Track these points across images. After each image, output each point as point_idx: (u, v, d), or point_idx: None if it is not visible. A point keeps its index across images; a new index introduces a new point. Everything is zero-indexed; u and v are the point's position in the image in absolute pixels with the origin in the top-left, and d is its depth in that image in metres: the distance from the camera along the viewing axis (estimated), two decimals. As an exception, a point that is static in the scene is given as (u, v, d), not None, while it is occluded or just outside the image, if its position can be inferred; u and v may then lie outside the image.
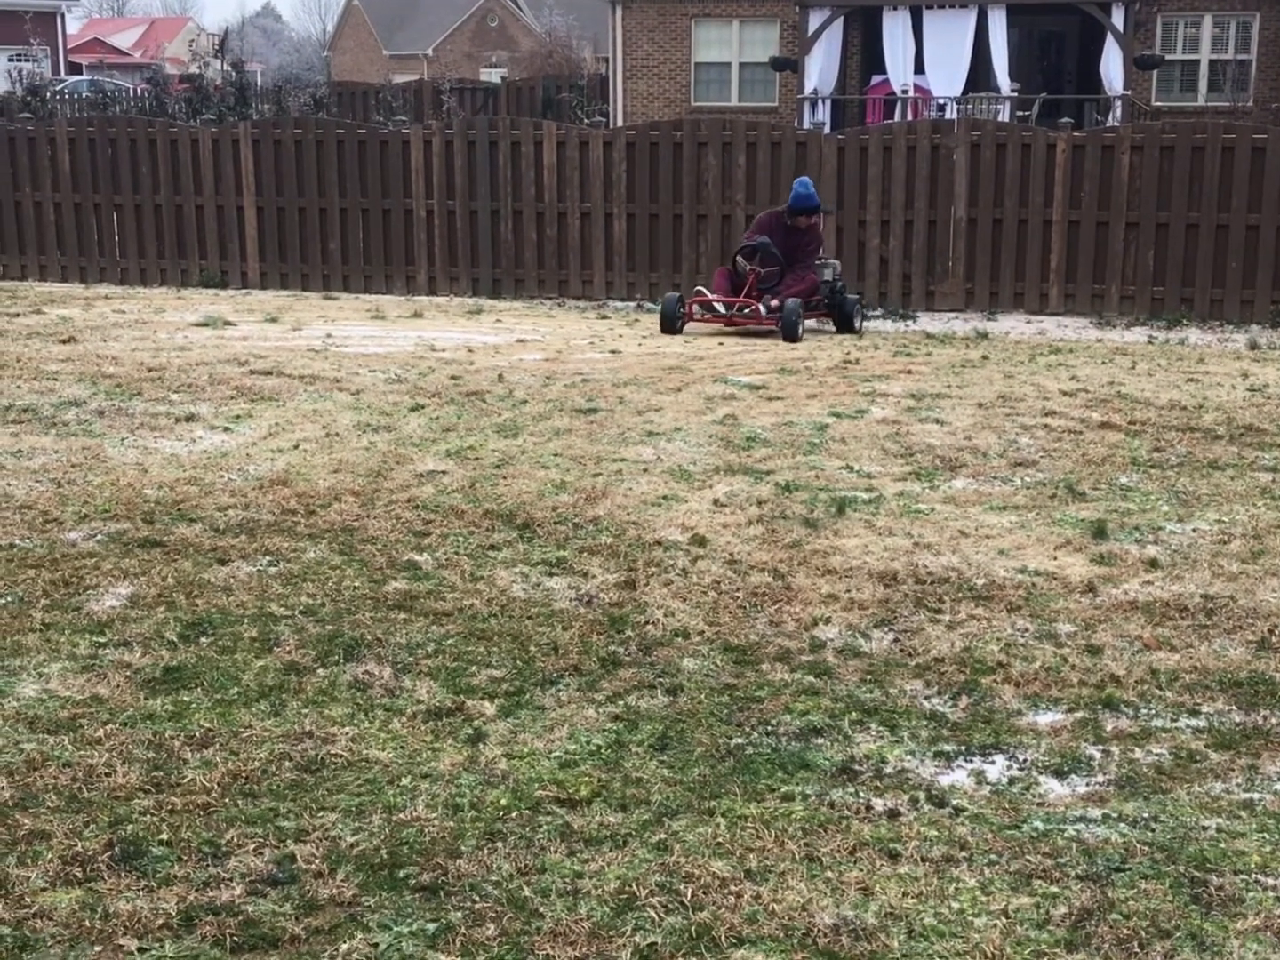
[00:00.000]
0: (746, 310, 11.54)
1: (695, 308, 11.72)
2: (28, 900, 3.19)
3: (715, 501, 6.42)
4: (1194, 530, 6.08)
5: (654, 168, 13.55)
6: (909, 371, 9.63)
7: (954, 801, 3.76)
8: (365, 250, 14.21)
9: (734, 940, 3.09)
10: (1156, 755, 4.04)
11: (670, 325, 11.48)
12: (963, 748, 4.09)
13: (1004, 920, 3.18)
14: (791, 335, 11.09)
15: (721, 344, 10.90)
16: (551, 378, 9.21)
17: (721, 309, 11.66)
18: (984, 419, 8.07)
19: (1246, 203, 12.33)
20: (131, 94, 32.76)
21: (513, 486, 6.58)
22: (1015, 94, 20.95)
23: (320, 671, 4.50)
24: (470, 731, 4.11)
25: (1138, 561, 5.65)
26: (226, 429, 7.66)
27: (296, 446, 7.26)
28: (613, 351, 10.41)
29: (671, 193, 13.54)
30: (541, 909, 3.20)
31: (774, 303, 11.36)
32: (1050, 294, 12.92)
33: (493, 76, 43.18)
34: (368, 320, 12.05)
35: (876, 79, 23.05)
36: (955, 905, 3.25)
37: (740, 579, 5.43)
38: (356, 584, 5.29)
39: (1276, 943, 3.08)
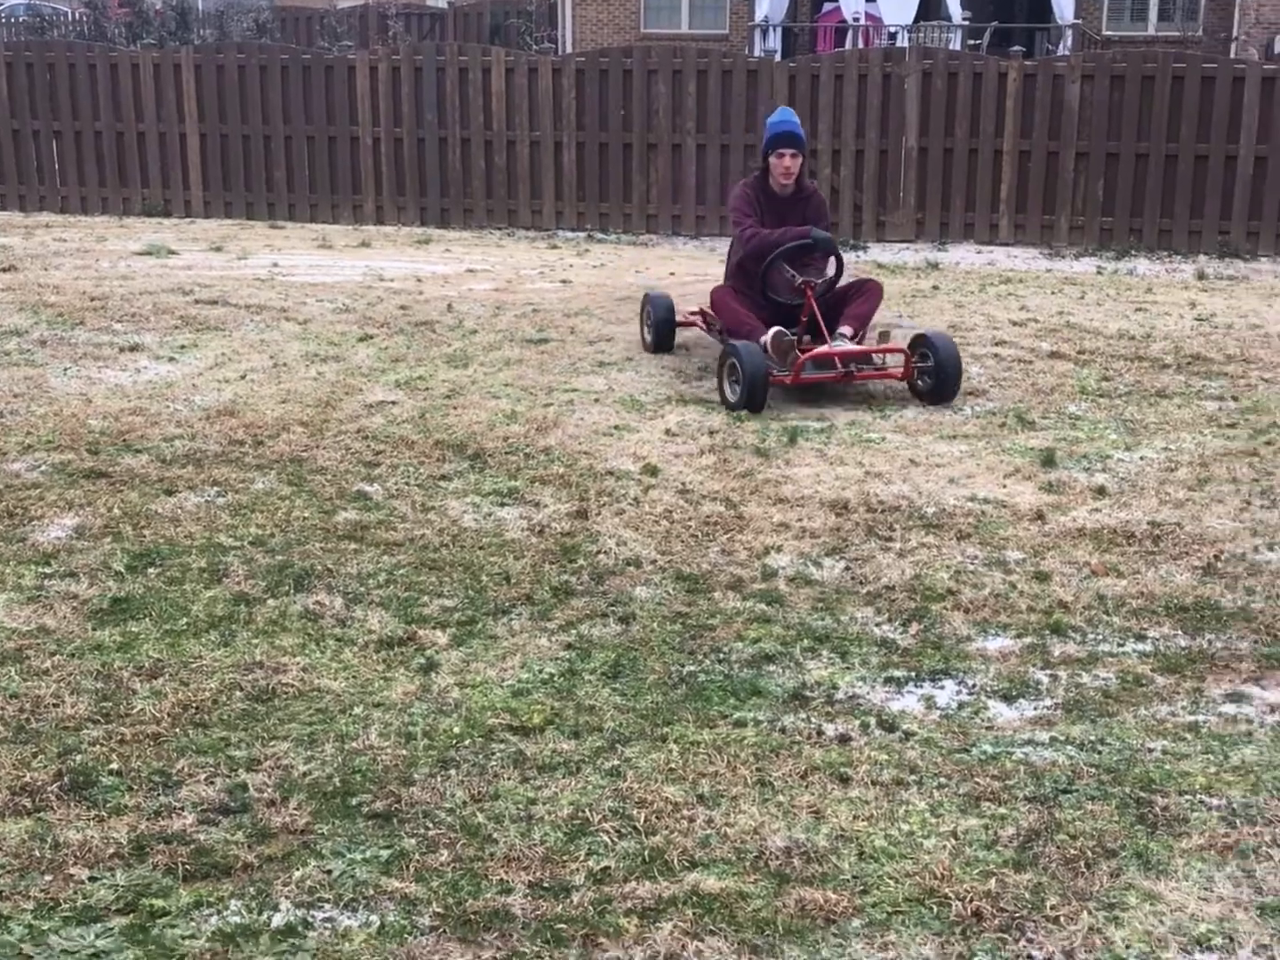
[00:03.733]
0: (870, 362, 7.23)
1: (806, 365, 6.94)
2: (-24, 831, 3.17)
3: (667, 431, 6.41)
4: (1141, 458, 6.13)
5: (604, 96, 13.39)
6: (860, 301, 9.61)
7: (904, 726, 3.79)
8: (311, 178, 13.99)
9: (686, 863, 3.12)
10: (1103, 679, 4.09)
11: (759, 398, 6.76)
12: (913, 673, 4.12)
13: (953, 841, 3.22)
14: (953, 392, 6.99)
15: (672, 274, 10.83)
16: (501, 307, 9.14)
17: (826, 364, 7.06)
18: (934, 349, 8.07)
19: (1195, 133, 12.34)
20: (69, 18, 32.00)
21: (463, 417, 6.53)
22: (967, 23, 20.81)
23: (270, 602, 4.47)
24: (422, 661, 4.10)
25: (1086, 489, 5.69)
26: (172, 359, 7.55)
27: (243, 377, 7.18)
28: (563, 281, 10.33)
29: (621, 121, 13.40)
30: (495, 835, 3.21)
31: (845, 329, 7.12)
32: (1000, 224, 12.91)
33: (439, 1, 42.47)
34: (315, 249, 11.90)
35: (828, 6, 22.83)
36: (905, 827, 3.28)
37: (692, 508, 5.43)
38: (306, 514, 5.25)
39: (1220, 861, 3.13)
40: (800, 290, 7.19)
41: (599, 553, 4.97)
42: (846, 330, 7.16)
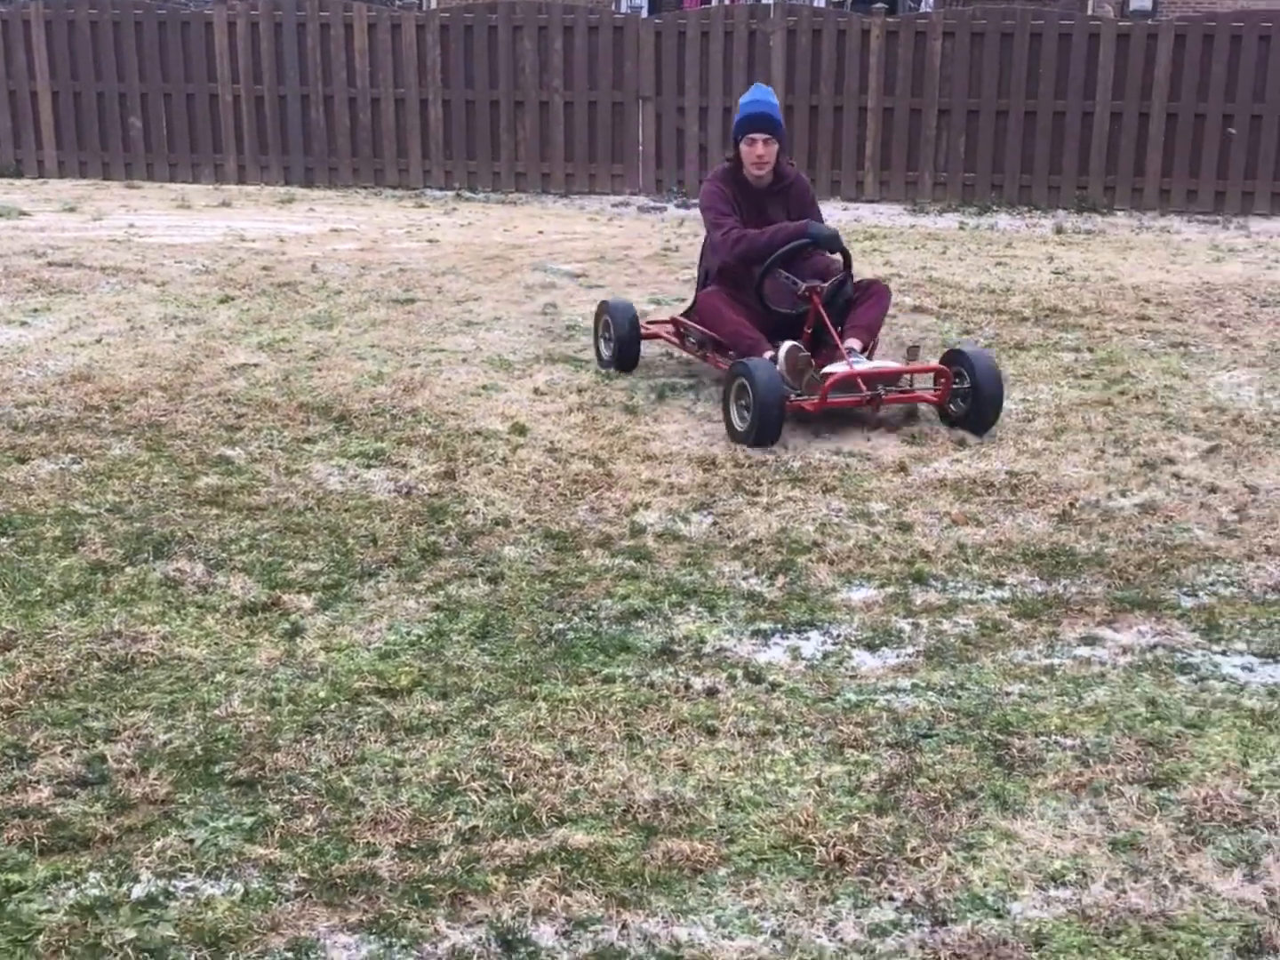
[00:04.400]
0: (893, 383, 5.99)
1: (830, 392, 5.81)
2: None
3: (535, 390, 6.38)
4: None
5: (469, 52, 13.25)
6: (728, 258, 9.64)
7: (770, 677, 3.83)
8: (170, 137, 13.67)
9: (555, 819, 3.13)
10: (963, 626, 4.17)
11: (774, 427, 5.67)
12: (779, 625, 4.17)
13: (817, 789, 3.27)
14: (991, 420, 5.94)
15: (541, 232, 10.78)
16: (367, 267, 9.02)
17: (847, 385, 5.87)
18: (801, 305, 8.14)
19: (1053, 89, 12.56)
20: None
21: (328, 378, 6.44)
22: (832, -20, 20.93)
23: (129, 570, 4.38)
24: (287, 626, 4.05)
25: (947, 441, 5.79)
26: (23, 323, 7.33)
27: (99, 340, 7.00)
28: (430, 241, 10.22)
29: (487, 78, 13.27)
30: (362, 798, 3.19)
31: (853, 342, 6.09)
32: (866, 181, 13.04)
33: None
34: (173, 209, 11.62)
35: (694, -37, 22.78)
36: (770, 776, 3.32)
37: (561, 466, 5.42)
38: (165, 480, 5.14)
39: (1074, 799, 3.22)
40: (805, 297, 6.14)
41: (467, 513, 4.95)
42: (854, 343, 6.09)
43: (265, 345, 6.99)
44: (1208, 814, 3.14)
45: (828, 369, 5.83)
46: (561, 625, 4.13)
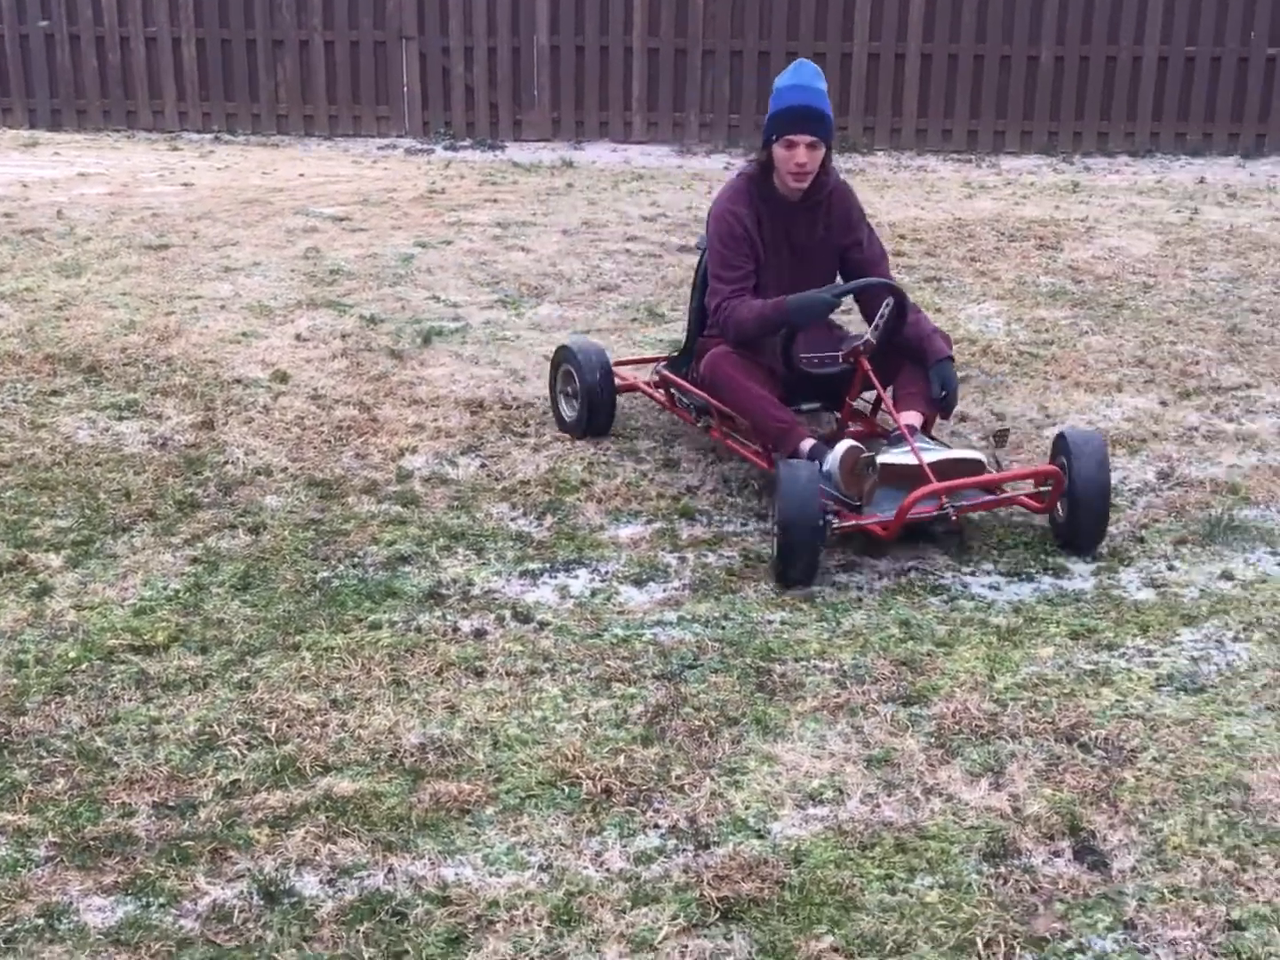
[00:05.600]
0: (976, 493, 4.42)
1: (881, 495, 4.26)
2: None
3: (298, 336, 6.23)
4: (765, 346, 6.35)
5: (222, -12, 12.76)
6: (495, 200, 9.56)
7: (539, 617, 3.85)
8: (-101, 77, 12.87)
9: (320, 769, 3.09)
10: (728, 558, 4.25)
11: (806, 563, 4.06)
12: (548, 565, 4.18)
13: (584, 724, 3.30)
14: (1101, 535, 4.35)
15: (302, 175, 10.50)
16: (117, 213, 8.65)
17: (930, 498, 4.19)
18: (569, 246, 8.13)
19: (813, 31, 12.75)
20: None
21: (76, 329, 6.18)
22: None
23: None
24: (34, 585, 3.90)
25: (713, 378, 5.85)
26: None
27: None
28: (185, 184, 9.86)
29: (243, 17, 12.81)
30: (116, 758, 3.10)
31: (912, 417, 4.53)
32: (634, 122, 13.05)
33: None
34: (-94, 155, 10.97)
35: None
36: (538, 714, 3.34)
37: (324, 413, 5.32)
38: (-101, 439, 4.88)
39: (832, 720, 3.32)
40: (849, 358, 4.59)
41: (226, 463, 4.82)
42: (913, 417, 4.54)
43: (7, 295, 6.66)
44: (956, 727, 3.28)
45: (884, 459, 4.24)
46: (326, 573, 4.07)
